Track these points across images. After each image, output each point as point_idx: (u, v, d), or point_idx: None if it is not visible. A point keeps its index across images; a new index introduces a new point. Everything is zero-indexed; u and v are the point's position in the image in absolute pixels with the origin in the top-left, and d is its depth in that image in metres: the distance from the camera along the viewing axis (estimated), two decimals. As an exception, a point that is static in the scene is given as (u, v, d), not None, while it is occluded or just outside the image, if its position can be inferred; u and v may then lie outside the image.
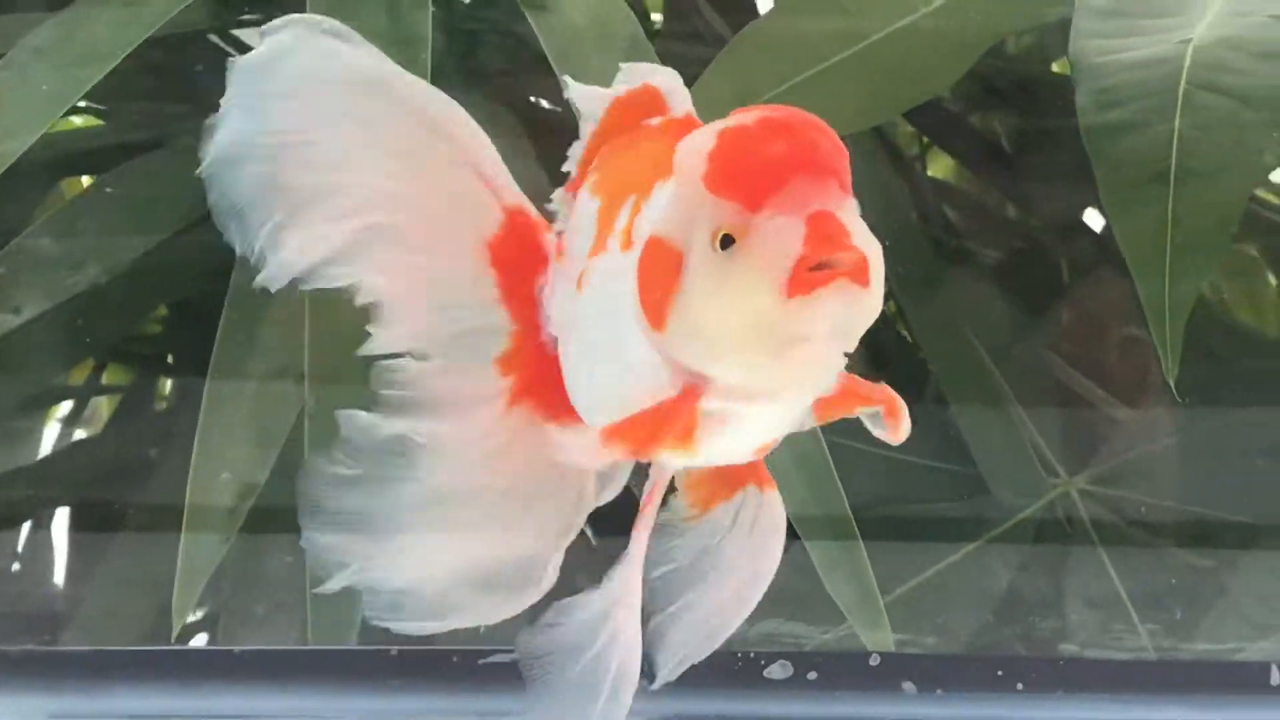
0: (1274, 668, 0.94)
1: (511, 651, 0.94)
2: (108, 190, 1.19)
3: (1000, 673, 0.92)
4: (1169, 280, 0.87)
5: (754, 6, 1.42)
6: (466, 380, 0.65)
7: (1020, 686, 0.93)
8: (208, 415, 1.03)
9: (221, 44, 1.39)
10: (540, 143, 1.21)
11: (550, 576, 0.67)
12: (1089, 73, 0.94)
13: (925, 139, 1.56)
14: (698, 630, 0.69)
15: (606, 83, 0.92)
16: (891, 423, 0.62)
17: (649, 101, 0.64)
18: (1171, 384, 0.88)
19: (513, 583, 0.67)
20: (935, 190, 1.59)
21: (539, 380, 0.66)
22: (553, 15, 1.07)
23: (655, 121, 0.64)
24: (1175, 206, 0.89)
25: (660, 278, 0.56)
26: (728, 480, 0.67)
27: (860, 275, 0.53)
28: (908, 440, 0.63)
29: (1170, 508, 1.16)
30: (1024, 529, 1.13)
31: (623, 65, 0.67)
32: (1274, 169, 1.47)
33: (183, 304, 1.38)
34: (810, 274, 0.52)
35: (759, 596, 0.68)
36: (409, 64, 1.01)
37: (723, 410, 0.57)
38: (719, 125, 0.56)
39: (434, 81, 1.19)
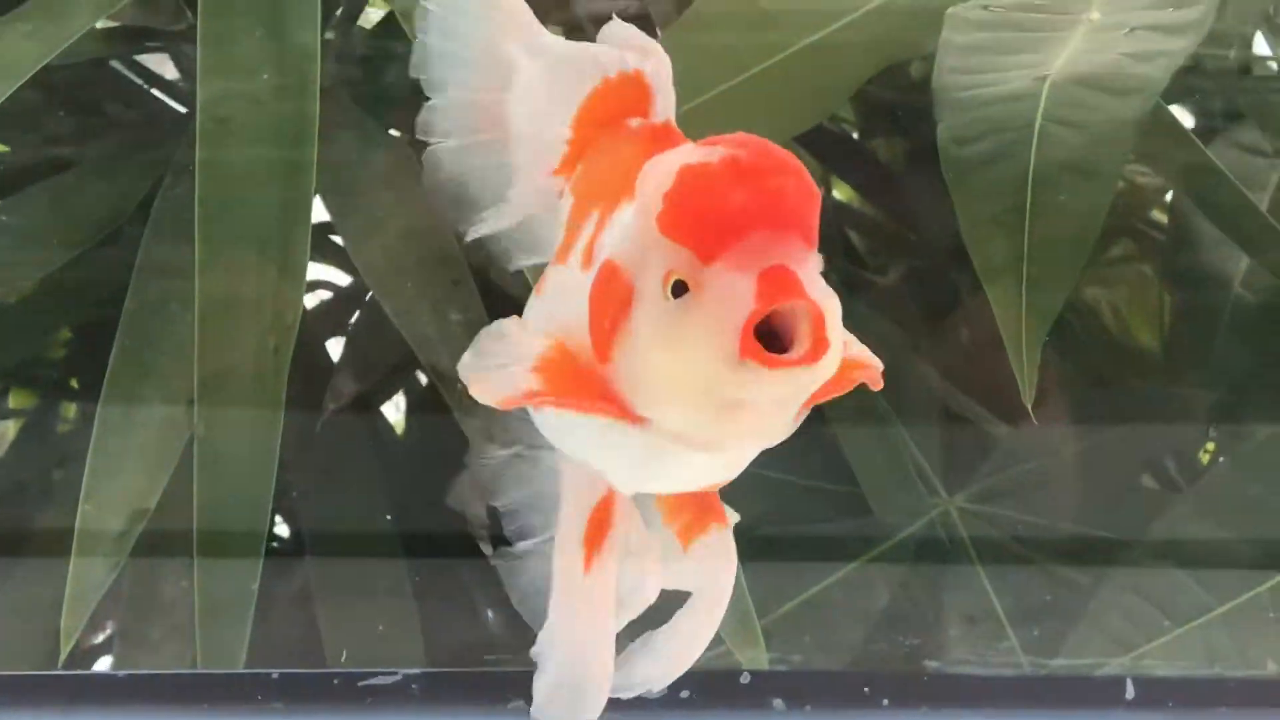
0: (1128, 682, 0.97)
1: (392, 674, 0.97)
2: (2, 218, 1.20)
3: (867, 689, 0.95)
4: (1025, 309, 0.90)
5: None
6: None
7: (886, 702, 0.95)
8: (99, 440, 1.04)
9: (126, 72, 1.41)
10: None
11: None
12: (950, 107, 0.97)
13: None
14: (660, 659, 0.68)
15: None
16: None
17: (635, 94, 0.60)
18: (1029, 407, 0.91)
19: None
20: (838, 213, 1.62)
21: None
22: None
23: (636, 123, 0.60)
24: (1030, 238, 0.92)
25: (609, 309, 0.54)
26: (700, 515, 0.65)
27: (816, 354, 0.50)
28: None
29: (1047, 525, 1.19)
30: (905, 548, 1.16)
31: (613, 24, 0.62)
32: (1166, 202, 1.51)
33: (86, 327, 1.39)
34: (760, 346, 0.50)
35: (714, 630, 0.67)
36: (297, 90, 1.04)
37: (662, 446, 0.56)
38: (683, 157, 0.53)
39: (327, 107, 1.23)
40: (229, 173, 1.05)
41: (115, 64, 1.40)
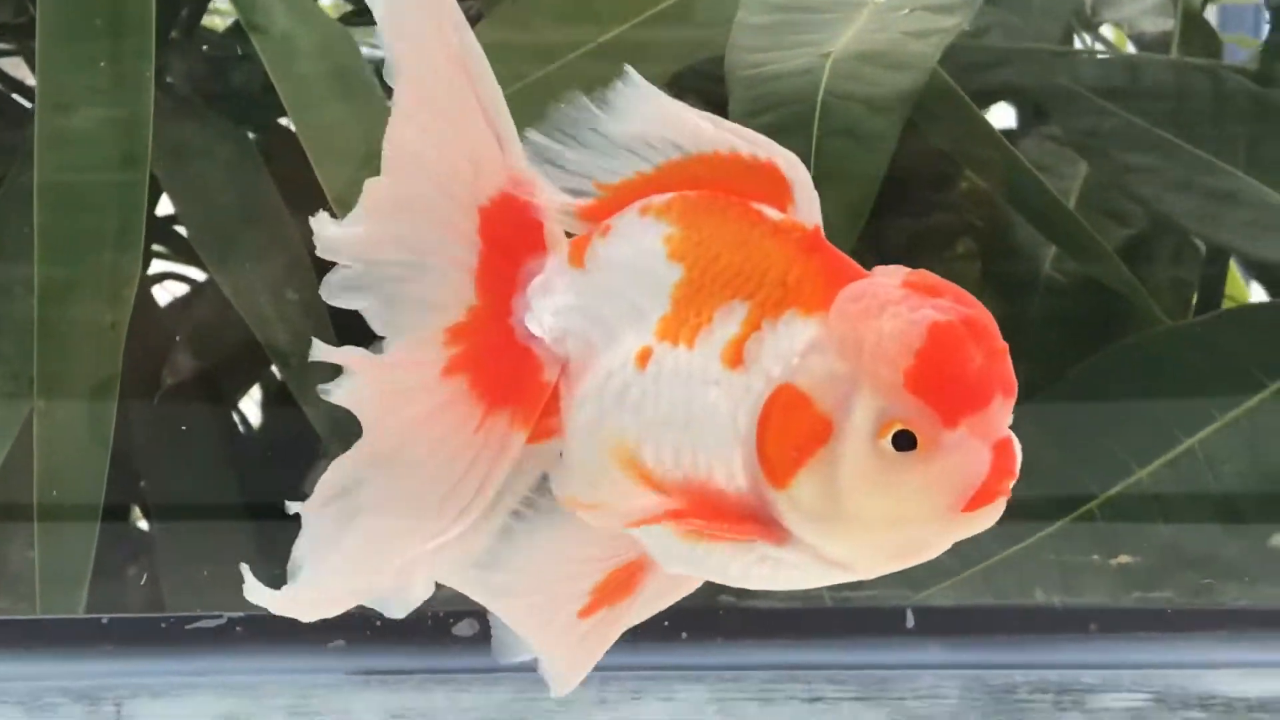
0: (908, 612, 1.04)
1: (217, 617, 1.02)
2: None
3: (666, 623, 1.00)
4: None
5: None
6: (410, 346, 0.61)
7: (685, 635, 1.01)
8: (-57, 416, 1.09)
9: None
10: (280, 164, 1.29)
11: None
12: (740, 83, 1.03)
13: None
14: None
15: (333, 109, 0.93)
16: None
17: (767, 181, 0.56)
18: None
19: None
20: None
21: (487, 361, 0.61)
22: (275, 40, 1.14)
23: (774, 214, 0.56)
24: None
25: (797, 439, 0.53)
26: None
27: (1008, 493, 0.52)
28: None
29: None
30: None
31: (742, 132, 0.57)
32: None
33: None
34: (982, 495, 0.51)
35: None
36: (133, 85, 1.09)
37: (796, 564, 0.55)
38: (923, 314, 0.52)
39: (174, 107, 1.27)
40: (67, 159, 1.09)
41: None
